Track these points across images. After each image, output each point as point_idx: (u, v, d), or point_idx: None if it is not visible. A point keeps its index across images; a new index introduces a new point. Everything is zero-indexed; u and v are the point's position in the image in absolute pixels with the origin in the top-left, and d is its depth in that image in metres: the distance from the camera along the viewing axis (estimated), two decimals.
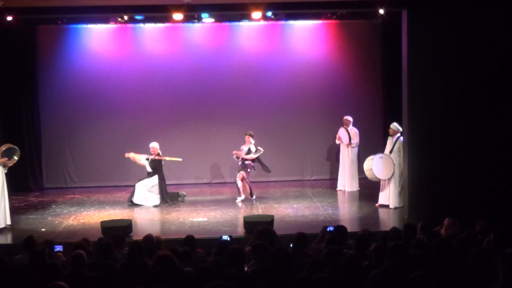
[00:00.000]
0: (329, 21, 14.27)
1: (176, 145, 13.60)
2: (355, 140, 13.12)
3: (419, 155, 10.31)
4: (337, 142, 13.42)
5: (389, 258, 5.09)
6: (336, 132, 13.34)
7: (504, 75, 9.63)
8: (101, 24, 14.04)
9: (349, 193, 12.94)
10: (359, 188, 13.08)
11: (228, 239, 7.99)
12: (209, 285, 4.11)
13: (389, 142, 11.50)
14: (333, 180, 13.71)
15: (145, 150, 12.85)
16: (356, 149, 13.21)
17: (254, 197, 12.18)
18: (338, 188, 13.27)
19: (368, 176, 11.51)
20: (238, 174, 12.11)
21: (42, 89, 13.98)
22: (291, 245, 6.84)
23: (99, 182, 14.13)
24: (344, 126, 13.16)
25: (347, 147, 13.15)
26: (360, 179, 13.13)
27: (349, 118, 13.21)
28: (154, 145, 12.16)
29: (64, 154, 14.22)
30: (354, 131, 13.18)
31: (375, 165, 11.22)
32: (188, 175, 14.30)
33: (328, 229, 7.44)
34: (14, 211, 11.08)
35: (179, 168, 13.84)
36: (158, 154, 12.13)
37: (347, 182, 13.16)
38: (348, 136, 13.08)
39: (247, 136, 12.23)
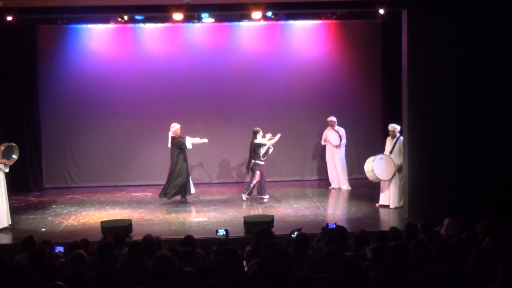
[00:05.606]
0: (329, 21, 14.27)
1: None
2: (344, 140, 13.19)
3: (419, 155, 10.31)
4: (323, 143, 13.46)
5: (389, 258, 5.09)
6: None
7: (504, 75, 9.63)
8: (101, 24, 14.04)
9: (346, 192, 12.97)
10: (350, 188, 13.17)
11: (224, 233, 8.00)
12: (197, 285, 4.12)
13: (389, 142, 11.49)
14: None
15: (145, 149, 12.86)
16: (344, 148, 13.28)
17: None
18: (332, 186, 13.37)
19: (370, 178, 11.48)
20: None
21: (42, 89, 13.97)
22: (293, 234, 6.92)
23: (99, 182, 14.12)
24: (331, 127, 13.18)
25: (337, 148, 13.18)
26: (357, 179, 13.14)
27: (334, 118, 13.26)
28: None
29: (64, 154, 14.21)
30: (341, 131, 13.21)
31: (376, 167, 11.19)
32: None
33: (329, 226, 7.45)
34: (14, 211, 11.07)
35: None
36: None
37: (341, 181, 13.23)
38: (339, 137, 13.10)
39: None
